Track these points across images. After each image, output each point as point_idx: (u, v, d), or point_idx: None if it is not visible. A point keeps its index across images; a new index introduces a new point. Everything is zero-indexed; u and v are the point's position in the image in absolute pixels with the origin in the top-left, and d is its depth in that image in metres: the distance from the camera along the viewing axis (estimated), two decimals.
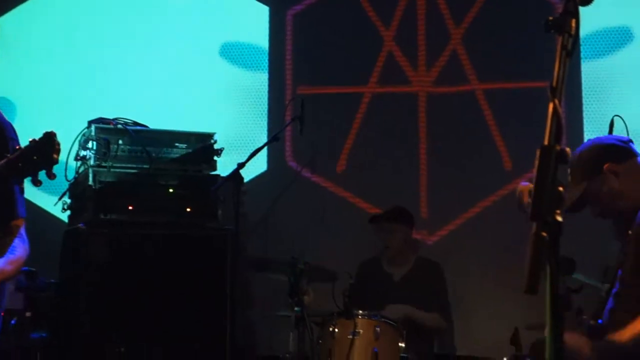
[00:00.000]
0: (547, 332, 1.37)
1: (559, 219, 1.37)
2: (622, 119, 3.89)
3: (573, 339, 2.30)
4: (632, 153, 2.60)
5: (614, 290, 2.48)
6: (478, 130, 5.04)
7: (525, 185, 2.41)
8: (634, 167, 2.57)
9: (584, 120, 4.92)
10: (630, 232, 2.43)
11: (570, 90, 4.72)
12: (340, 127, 5.16)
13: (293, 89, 5.19)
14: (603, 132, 3.89)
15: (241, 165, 4.01)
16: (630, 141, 2.67)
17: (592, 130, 4.72)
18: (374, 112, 5.15)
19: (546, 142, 1.39)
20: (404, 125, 5.16)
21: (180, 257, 3.89)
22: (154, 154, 3.96)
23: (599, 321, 2.42)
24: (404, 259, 4.55)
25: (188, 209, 3.98)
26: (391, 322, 3.87)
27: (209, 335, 3.87)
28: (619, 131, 3.85)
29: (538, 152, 1.36)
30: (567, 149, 1.41)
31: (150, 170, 3.95)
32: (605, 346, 2.27)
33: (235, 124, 5.14)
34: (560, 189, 1.38)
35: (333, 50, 5.22)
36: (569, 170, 2.66)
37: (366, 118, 5.15)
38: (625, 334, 2.26)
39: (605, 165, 2.55)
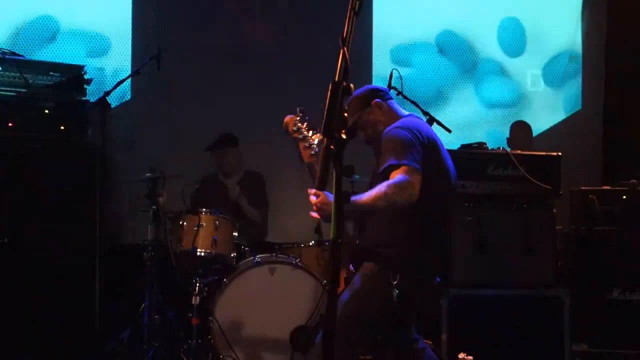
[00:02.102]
0: (332, 214, 1.44)
1: (344, 136, 1.43)
2: (399, 72, 4.08)
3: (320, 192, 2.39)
4: (389, 96, 2.80)
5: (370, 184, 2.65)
6: None
7: (290, 117, 2.46)
8: (391, 105, 2.76)
9: (373, 72, 5.14)
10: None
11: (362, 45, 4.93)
12: (190, 66, 4.98)
13: (154, 33, 4.93)
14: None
15: (107, 93, 3.76)
16: (388, 91, 2.86)
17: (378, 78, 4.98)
18: (219, 53, 5.01)
19: (336, 79, 1.43)
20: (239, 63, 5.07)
21: (55, 167, 3.63)
22: (30, 80, 3.61)
23: None
24: (235, 172, 4.57)
25: (62, 128, 3.69)
26: (228, 217, 3.88)
27: (83, 227, 3.67)
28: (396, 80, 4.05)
29: (330, 86, 1.40)
30: (351, 85, 1.46)
31: (27, 94, 3.60)
32: (355, 199, 2.36)
33: (105, 61, 4.83)
34: (345, 114, 1.44)
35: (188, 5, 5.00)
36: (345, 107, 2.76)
37: (212, 58, 5.01)
38: (370, 193, 2.37)
39: (374, 101, 2.71)
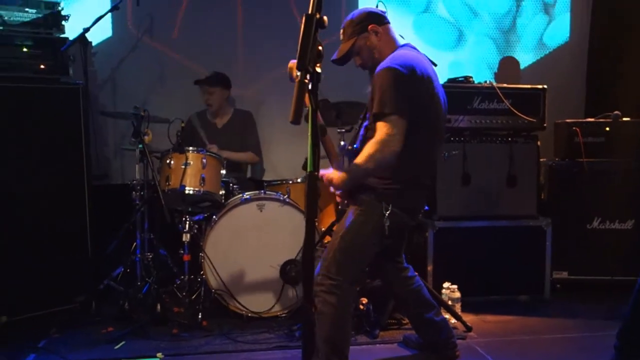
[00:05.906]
0: (308, 148, 1.45)
1: (319, 70, 1.42)
2: (383, 4, 3.99)
3: (325, 173, 2.46)
4: (387, 20, 2.73)
5: (365, 123, 2.65)
6: None
7: (293, 62, 2.35)
8: (388, 30, 2.71)
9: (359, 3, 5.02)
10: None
11: None
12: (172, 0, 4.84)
13: None
14: None
15: (86, 30, 3.68)
16: (385, 12, 2.79)
17: None
18: None
19: (310, 11, 1.40)
20: (226, 2, 4.92)
21: (38, 108, 3.56)
22: (6, 17, 3.51)
23: (355, 146, 2.59)
24: (224, 112, 4.53)
25: (42, 66, 3.61)
26: (215, 155, 3.89)
27: (70, 167, 3.68)
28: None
29: (303, 19, 1.38)
30: (325, 17, 1.44)
31: (3, 31, 3.50)
32: (351, 167, 2.44)
33: None
34: (320, 47, 1.42)
35: None
36: (341, 31, 2.72)
37: None
38: (361, 157, 2.42)
39: (370, 26, 2.66)
